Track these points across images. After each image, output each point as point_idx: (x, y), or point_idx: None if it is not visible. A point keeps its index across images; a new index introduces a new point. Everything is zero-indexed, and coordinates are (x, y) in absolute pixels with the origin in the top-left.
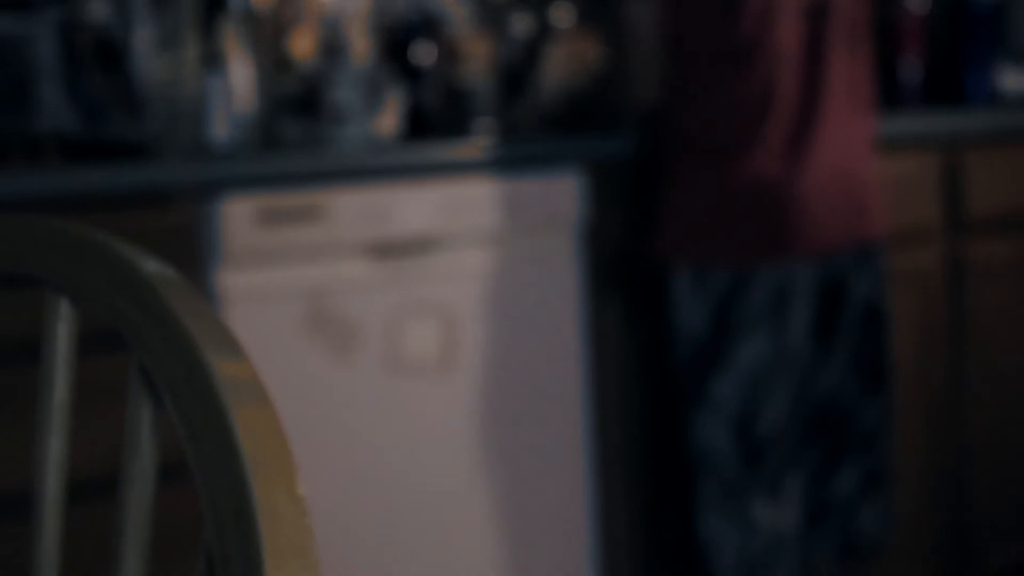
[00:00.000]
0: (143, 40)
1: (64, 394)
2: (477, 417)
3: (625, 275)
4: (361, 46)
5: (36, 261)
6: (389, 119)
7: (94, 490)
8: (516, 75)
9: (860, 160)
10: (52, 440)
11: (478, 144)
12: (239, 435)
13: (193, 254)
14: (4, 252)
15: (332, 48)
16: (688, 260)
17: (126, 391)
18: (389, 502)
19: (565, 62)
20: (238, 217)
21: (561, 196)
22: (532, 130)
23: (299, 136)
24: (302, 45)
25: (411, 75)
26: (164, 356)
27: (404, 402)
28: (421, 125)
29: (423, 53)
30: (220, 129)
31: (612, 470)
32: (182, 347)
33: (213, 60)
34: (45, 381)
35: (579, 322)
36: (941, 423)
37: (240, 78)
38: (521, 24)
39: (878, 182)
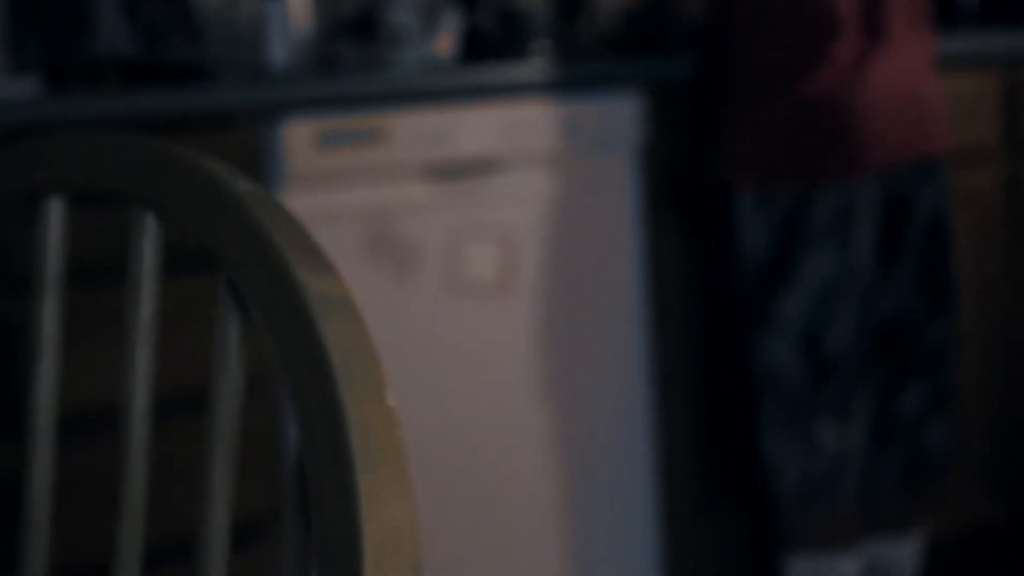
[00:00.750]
0: None
1: (150, 309)
2: (535, 339)
3: (683, 197)
4: None
5: (124, 178)
6: (446, 42)
7: (179, 406)
8: None
9: (922, 77)
10: (139, 354)
11: (536, 66)
12: (330, 349)
13: (256, 177)
14: (93, 169)
15: None
16: (752, 180)
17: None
18: (447, 423)
19: None
20: (299, 140)
21: (619, 118)
22: (589, 52)
23: (356, 59)
24: None
25: None
26: (254, 272)
27: (463, 324)
28: (477, 48)
29: None
30: (277, 52)
31: (672, 392)
32: (273, 263)
33: None
34: (132, 296)
35: (637, 244)
36: (999, 344)
37: (297, 0)
38: None
39: (941, 98)
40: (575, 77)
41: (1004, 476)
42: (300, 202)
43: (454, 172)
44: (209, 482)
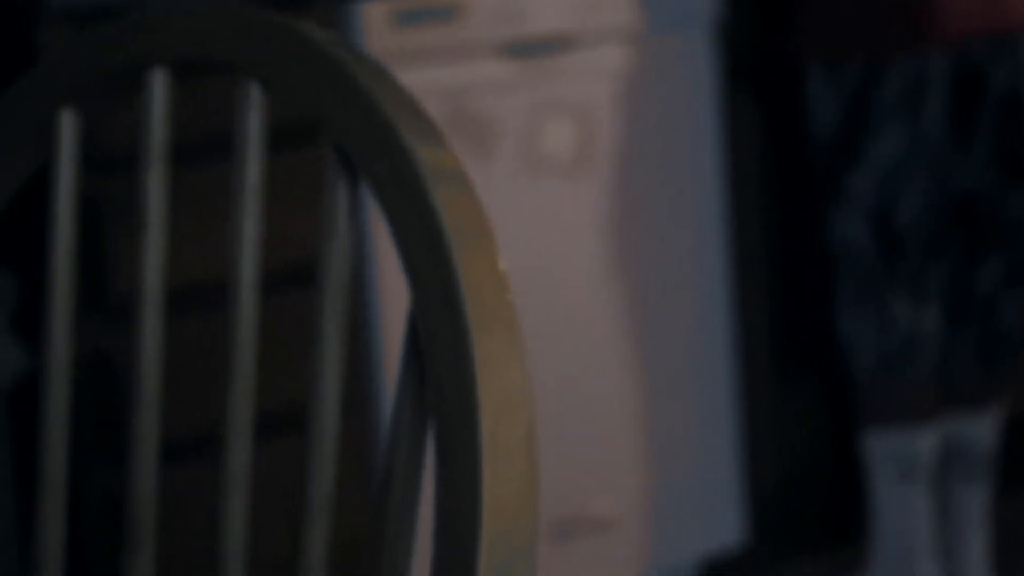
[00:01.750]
0: None
1: (256, 178)
2: (611, 216)
3: (760, 73)
4: None
5: (230, 47)
6: None
7: (286, 281)
8: None
9: None
10: (246, 223)
11: None
12: (441, 214)
13: None
14: (197, 38)
15: None
16: (822, 54)
17: (301, 189)
18: (520, 300)
19: None
20: (376, 19)
21: None
22: None
23: None
24: None
25: None
26: (364, 139)
27: (540, 201)
28: None
29: None
30: None
31: (749, 267)
32: (383, 130)
33: None
34: (238, 166)
35: (713, 122)
36: None
37: None
38: None
39: None
40: None
41: None
42: None
43: (531, 49)
44: (319, 353)
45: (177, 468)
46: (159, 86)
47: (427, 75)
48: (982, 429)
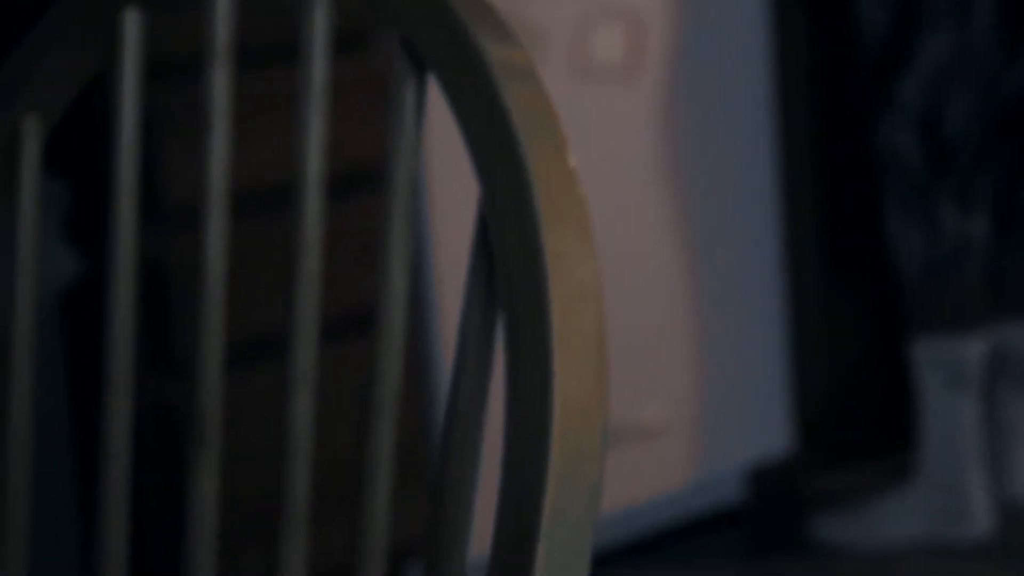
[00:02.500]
0: None
1: (322, 78)
2: (661, 123)
3: None
4: None
5: None
6: None
7: (353, 182)
8: None
9: None
10: (312, 123)
11: None
12: (511, 110)
13: None
14: None
15: None
16: None
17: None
18: None
19: None
20: None
21: None
22: None
23: None
24: None
25: None
26: (433, 34)
27: (590, 107)
28: None
29: None
30: None
31: (797, 174)
32: (453, 25)
33: None
34: (303, 67)
35: (763, 25)
36: None
37: None
38: None
39: None
40: None
41: None
42: None
43: None
44: (386, 252)
45: (242, 372)
46: None
47: None
48: None
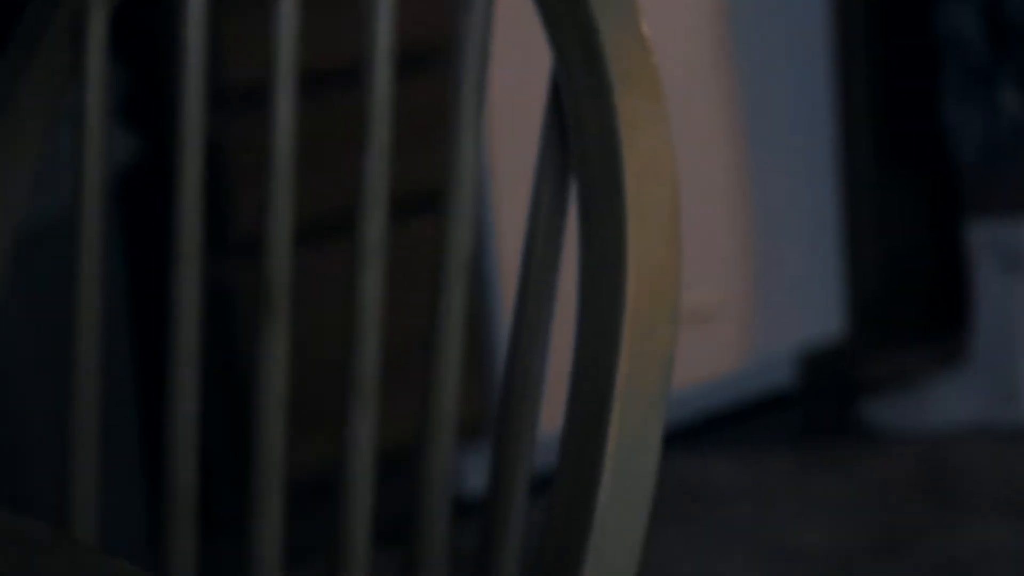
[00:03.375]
0: None
1: None
2: (717, 4)
3: None
4: None
5: None
6: None
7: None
8: None
9: None
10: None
11: None
12: None
13: None
14: None
15: None
16: None
17: None
18: None
19: None
20: None
21: None
22: None
23: None
24: None
25: None
26: None
27: None
28: None
29: None
30: None
31: (853, 56)
32: None
33: None
34: None
35: None
36: None
37: None
38: None
39: None
40: None
41: None
42: None
43: None
44: (457, 125)
45: (310, 249)
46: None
47: None
48: None
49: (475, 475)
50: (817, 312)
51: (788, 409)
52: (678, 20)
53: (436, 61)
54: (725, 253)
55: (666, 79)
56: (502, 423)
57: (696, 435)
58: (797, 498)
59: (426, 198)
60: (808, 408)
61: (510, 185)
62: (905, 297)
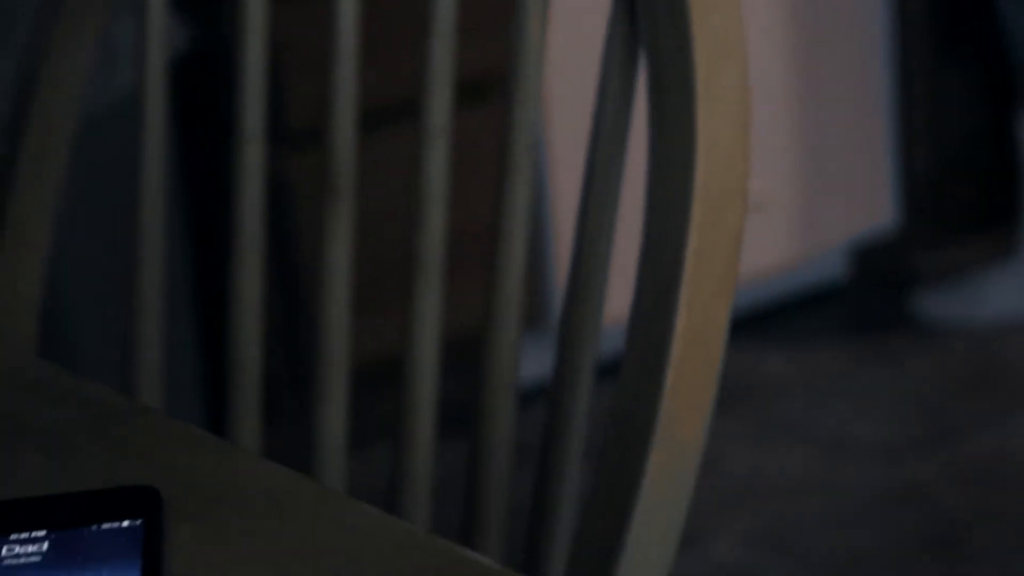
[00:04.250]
0: None
1: None
2: None
3: None
4: None
5: None
6: None
7: None
8: None
9: None
10: None
11: None
12: None
13: None
14: None
15: None
16: None
17: None
18: None
19: None
20: None
21: None
22: None
23: None
24: None
25: None
26: None
27: None
28: None
29: None
30: None
31: None
32: None
33: None
34: None
35: None
36: None
37: None
38: None
39: None
40: None
41: None
42: None
43: None
44: (521, 13)
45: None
46: None
47: None
48: None
49: (529, 365)
50: (870, 204)
51: (840, 302)
52: None
53: None
54: (777, 144)
55: None
56: (569, 307)
57: (748, 328)
58: (848, 391)
59: (490, 83)
60: (860, 301)
61: (562, 73)
62: (959, 190)
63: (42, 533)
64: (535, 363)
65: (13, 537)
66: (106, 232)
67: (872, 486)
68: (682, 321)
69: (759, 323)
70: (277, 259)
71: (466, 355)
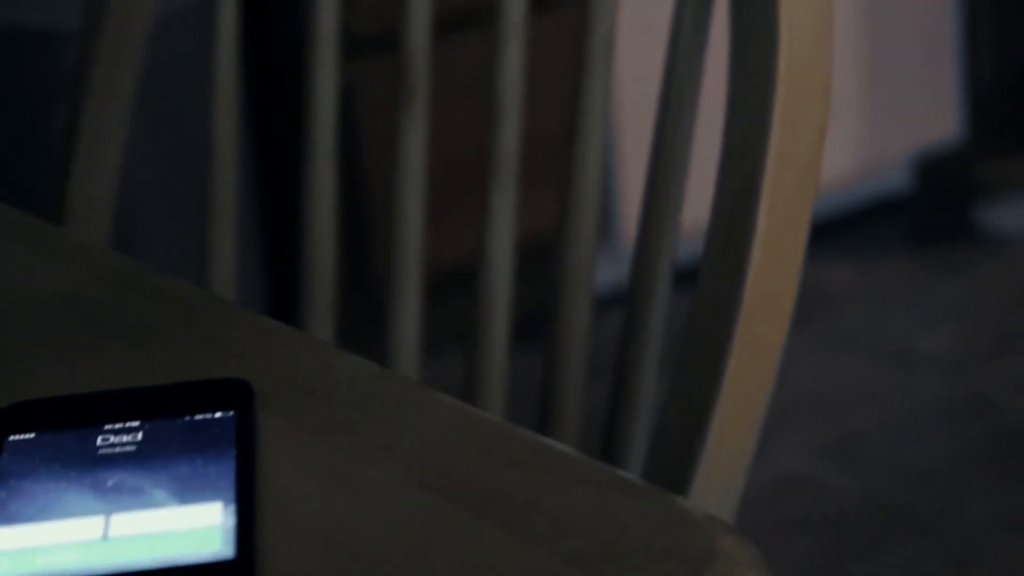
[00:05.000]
0: None
1: None
2: None
3: None
4: None
5: None
6: None
7: None
8: None
9: None
10: None
11: None
12: None
13: None
14: None
15: None
16: None
17: None
18: None
19: None
20: None
21: None
22: None
23: None
24: None
25: None
26: None
27: None
28: None
29: None
30: None
31: None
32: None
33: None
34: None
35: None
36: None
37: None
38: None
39: None
40: None
41: None
42: None
43: None
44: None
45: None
46: None
47: None
48: None
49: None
50: (934, 115)
51: (904, 214)
52: None
53: None
54: (842, 57)
55: None
56: (647, 211)
57: (812, 240)
58: (913, 302)
59: None
60: (924, 213)
61: None
62: (1022, 102)
63: (136, 424)
64: (606, 271)
65: (108, 427)
66: (178, 136)
67: (936, 397)
68: (763, 222)
69: (824, 235)
70: (344, 166)
71: (541, 264)
